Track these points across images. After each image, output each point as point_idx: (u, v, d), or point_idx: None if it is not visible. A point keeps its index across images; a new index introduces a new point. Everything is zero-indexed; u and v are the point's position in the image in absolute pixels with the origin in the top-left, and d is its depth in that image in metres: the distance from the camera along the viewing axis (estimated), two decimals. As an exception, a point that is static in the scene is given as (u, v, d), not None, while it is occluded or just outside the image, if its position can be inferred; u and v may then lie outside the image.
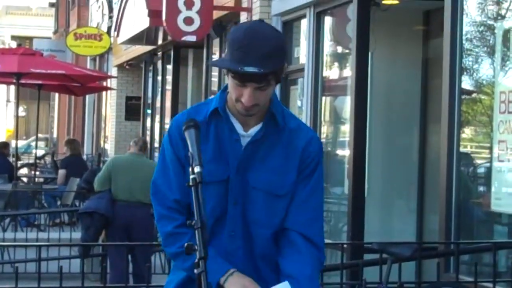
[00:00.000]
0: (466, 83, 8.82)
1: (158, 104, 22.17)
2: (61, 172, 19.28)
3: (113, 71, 25.92)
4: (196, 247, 3.22)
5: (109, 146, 26.82)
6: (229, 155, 3.59)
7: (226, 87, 3.66)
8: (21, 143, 30.24)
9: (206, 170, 3.46)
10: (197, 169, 3.32)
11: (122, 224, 10.91)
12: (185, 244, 3.25)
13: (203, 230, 3.24)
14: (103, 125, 29.06)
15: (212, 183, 3.55)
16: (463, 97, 8.71)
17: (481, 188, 8.57)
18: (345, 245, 9.35)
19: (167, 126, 20.33)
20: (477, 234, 8.38)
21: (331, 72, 12.08)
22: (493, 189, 8.03)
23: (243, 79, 3.50)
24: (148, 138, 22.08)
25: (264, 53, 3.49)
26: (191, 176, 3.33)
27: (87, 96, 29.26)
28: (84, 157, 23.88)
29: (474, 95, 8.92)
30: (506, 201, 7.79)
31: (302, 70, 12.15)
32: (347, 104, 11.03)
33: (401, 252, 7.04)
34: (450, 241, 8.23)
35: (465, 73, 8.76)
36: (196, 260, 3.23)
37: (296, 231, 3.61)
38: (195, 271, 3.24)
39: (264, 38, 3.55)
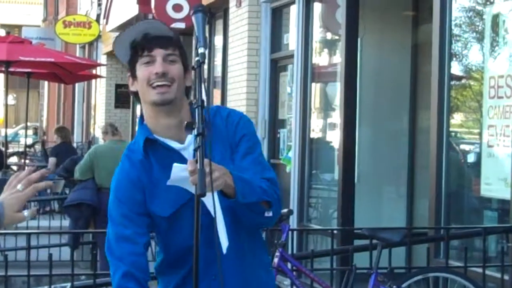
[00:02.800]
0: (456, 68, 8.85)
1: (147, 92, 22.19)
2: (52, 160, 19.25)
3: (103, 59, 25.88)
4: (194, 125, 3.19)
5: (99, 134, 26.83)
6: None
7: (141, 119, 3.61)
8: (10, 131, 30.19)
9: (172, 200, 3.48)
10: (201, 50, 3.31)
11: (109, 211, 10.96)
12: (186, 122, 3.27)
13: (202, 109, 3.21)
14: (93, 113, 29.06)
15: (181, 206, 3.50)
16: (452, 83, 8.73)
17: (471, 174, 8.59)
18: (335, 231, 9.40)
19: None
20: (467, 220, 8.41)
21: (320, 59, 12.10)
22: (483, 174, 8.05)
23: (150, 46, 3.49)
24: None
25: (164, 29, 3.58)
26: (196, 58, 3.30)
27: (76, 84, 29.22)
28: (74, 145, 23.88)
29: (463, 80, 8.95)
30: (496, 186, 7.81)
31: (291, 56, 12.17)
32: (336, 91, 11.06)
33: (391, 238, 7.06)
34: (440, 226, 8.25)
35: (454, 58, 8.79)
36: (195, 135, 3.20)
37: None
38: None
39: (160, 23, 3.68)
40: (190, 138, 3.49)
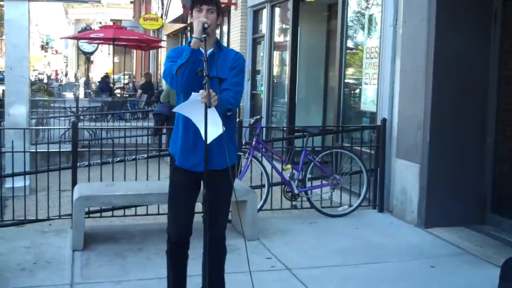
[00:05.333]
0: (349, 44, 8.77)
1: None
2: (139, 91, 19.26)
3: (164, 38, 25.59)
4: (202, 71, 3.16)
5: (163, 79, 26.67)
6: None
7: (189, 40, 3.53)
8: (116, 76, 29.99)
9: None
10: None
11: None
12: (199, 69, 3.18)
13: (207, 63, 3.16)
14: (159, 67, 28.82)
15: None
16: (347, 51, 8.67)
17: (356, 99, 8.59)
18: (285, 128, 9.42)
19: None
20: (353, 122, 8.43)
21: (278, 38, 11.96)
22: (362, 98, 8.05)
23: (201, 2, 3.42)
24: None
25: None
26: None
27: (150, 51, 28.91)
28: (150, 83, 23.82)
29: (353, 50, 8.87)
30: (369, 105, 7.83)
31: (263, 36, 12.06)
32: (287, 55, 10.97)
33: (313, 131, 7.07)
34: (338, 125, 8.29)
35: (349, 38, 8.71)
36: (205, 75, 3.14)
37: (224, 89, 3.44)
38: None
39: None
40: (210, 51, 3.42)
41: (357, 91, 8.53)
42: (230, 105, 3.41)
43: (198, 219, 3.52)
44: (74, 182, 6.00)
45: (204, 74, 3.17)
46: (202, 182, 3.49)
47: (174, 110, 3.38)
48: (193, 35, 3.37)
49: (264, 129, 10.34)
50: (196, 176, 3.50)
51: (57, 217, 6.22)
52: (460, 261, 5.12)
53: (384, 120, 6.92)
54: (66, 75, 54.08)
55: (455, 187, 6.24)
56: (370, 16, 8.01)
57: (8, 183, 7.80)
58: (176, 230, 3.56)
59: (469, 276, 4.74)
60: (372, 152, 7.06)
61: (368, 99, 7.83)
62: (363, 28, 8.35)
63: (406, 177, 6.51)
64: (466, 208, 6.25)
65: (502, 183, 6.25)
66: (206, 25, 3.35)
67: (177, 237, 3.57)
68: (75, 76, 45.50)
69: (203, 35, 3.31)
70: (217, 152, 3.38)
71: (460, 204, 6.24)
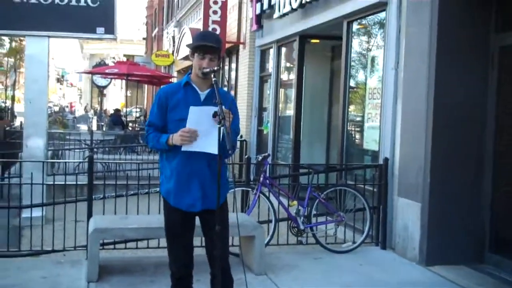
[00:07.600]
0: (352, 83, 8.81)
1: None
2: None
3: (175, 74, 25.76)
4: (215, 100, 3.26)
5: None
6: (192, 103, 3.45)
7: (188, 73, 3.60)
8: (128, 109, 30.06)
9: (183, 112, 3.40)
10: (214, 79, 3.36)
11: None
12: (213, 111, 3.25)
13: (218, 91, 3.28)
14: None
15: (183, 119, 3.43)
16: (350, 90, 8.72)
17: (359, 137, 8.59)
18: (290, 164, 9.41)
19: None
20: (356, 160, 8.41)
21: (284, 76, 12.04)
22: (364, 137, 8.06)
23: (204, 51, 3.46)
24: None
25: (214, 38, 3.51)
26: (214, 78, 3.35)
27: (162, 86, 29.13)
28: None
29: (356, 89, 8.91)
30: (370, 144, 7.83)
31: (270, 75, 12.13)
32: (292, 93, 11.03)
33: (318, 168, 7.07)
34: (342, 164, 8.28)
35: (351, 78, 8.76)
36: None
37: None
38: None
39: (213, 34, 3.67)
40: (206, 91, 3.51)
41: (360, 129, 8.55)
42: (236, 136, 3.51)
43: (197, 252, 3.54)
44: (89, 214, 5.98)
45: (220, 118, 3.20)
46: (199, 218, 3.59)
47: (191, 108, 3.37)
48: (173, 141, 3.41)
49: (271, 166, 10.35)
50: (191, 213, 3.54)
51: (73, 248, 6.20)
52: (461, 298, 5.07)
53: (386, 160, 6.92)
54: (85, 108, 54.14)
55: (455, 226, 6.19)
56: (372, 57, 8.05)
57: (25, 213, 7.78)
58: (178, 267, 3.60)
59: (469, 314, 4.68)
60: (375, 190, 7.03)
61: (371, 138, 7.82)
62: (365, 69, 8.40)
63: (407, 215, 6.48)
64: (465, 247, 6.20)
65: (499, 223, 6.21)
66: (209, 70, 3.44)
67: (180, 273, 3.61)
68: (85, 108, 45.80)
69: (214, 77, 3.38)
70: (211, 191, 3.42)
71: (459, 243, 6.19)
